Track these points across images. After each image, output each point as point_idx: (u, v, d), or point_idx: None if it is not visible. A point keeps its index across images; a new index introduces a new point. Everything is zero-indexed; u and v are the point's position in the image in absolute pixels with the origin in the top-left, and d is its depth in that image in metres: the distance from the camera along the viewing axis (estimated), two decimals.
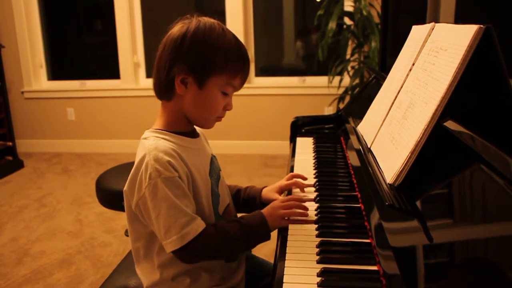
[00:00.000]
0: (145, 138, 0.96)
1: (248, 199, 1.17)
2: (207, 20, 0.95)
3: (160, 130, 0.97)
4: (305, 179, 1.22)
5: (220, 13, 3.94)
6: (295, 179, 1.20)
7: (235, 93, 1.00)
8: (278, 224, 0.97)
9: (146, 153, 0.90)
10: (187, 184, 0.92)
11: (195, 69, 0.92)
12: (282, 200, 1.03)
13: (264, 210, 0.99)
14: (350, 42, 3.40)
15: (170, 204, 0.88)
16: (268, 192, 1.17)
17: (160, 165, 0.88)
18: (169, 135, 0.96)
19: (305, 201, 1.06)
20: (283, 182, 1.19)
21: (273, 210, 0.99)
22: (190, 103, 0.95)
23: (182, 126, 0.99)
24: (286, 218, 0.99)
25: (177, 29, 0.94)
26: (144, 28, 4.17)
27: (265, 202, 1.15)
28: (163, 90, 0.96)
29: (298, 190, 1.19)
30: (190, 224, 0.89)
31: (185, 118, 0.98)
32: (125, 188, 0.95)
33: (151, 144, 0.92)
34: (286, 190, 1.19)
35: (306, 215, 1.01)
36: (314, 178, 1.27)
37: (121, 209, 1.00)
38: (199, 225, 0.90)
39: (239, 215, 1.07)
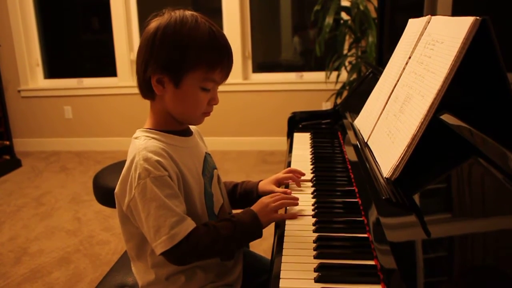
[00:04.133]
0: (136, 138, 0.95)
1: (245, 194, 1.16)
2: (179, 13, 0.91)
3: (150, 130, 0.95)
4: (302, 174, 1.21)
5: (217, 10, 3.93)
6: (291, 174, 1.19)
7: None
8: (270, 218, 0.96)
9: (136, 153, 0.89)
10: (177, 183, 0.91)
11: (168, 68, 0.89)
12: (270, 195, 1.02)
13: (254, 207, 0.98)
14: (347, 37, 3.40)
15: (160, 203, 0.86)
16: (265, 184, 1.16)
17: (150, 165, 0.87)
18: (160, 134, 0.95)
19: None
20: (280, 175, 1.19)
21: (263, 205, 0.98)
22: (171, 102, 0.93)
23: (171, 125, 0.97)
24: (277, 210, 0.98)
25: (151, 26, 0.91)
26: (141, 25, 4.15)
27: (262, 195, 1.14)
28: (144, 91, 0.95)
29: (294, 184, 1.19)
30: (180, 224, 0.87)
31: (173, 117, 0.96)
32: (116, 190, 0.94)
33: (141, 144, 0.90)
34: (282, 182, 1.18)
35: (297, 204, 1.01)
36: (311, 173, 1.27)
37: None
38: (189, 225, 0.88)
39: (235, 211, 1.06)
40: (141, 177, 0.87)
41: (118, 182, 0.93)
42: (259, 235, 0.95)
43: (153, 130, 0.95)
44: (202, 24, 0.90)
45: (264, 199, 1.00)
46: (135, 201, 0.88)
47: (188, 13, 0.92)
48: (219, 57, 0.91)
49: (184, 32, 0.89)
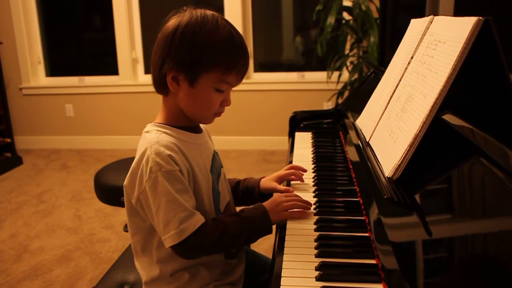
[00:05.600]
0: (147, 132, 0.95)
1: (247, 191, 1.17)
2: (200, 13, 0.91)
3: (162, 124, 0.96)
4: (305, 171, 1.22)
5: (218, 9, 3.92)
6: (293, 170, 1.19)
7: (234, 88, 0.98)
8: (280, 216, 0.97)
9: (148, 147, 0.89)
10: (187, 178, 0.92)
11: (185, 67, 0.90)
12: (284, 194, 1.02)
13: (266, 204, 0.98)
14: (349, 37, 3.39)
15: (170, 198, 0.87)
16: (267, 181, 1.16)
17: (161, 159, 0.87)
18: (171, 129, 0.95)
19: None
20: (282, 172, 1.19)
21: (275, 203, 0.98)
22: (184, 100, 0.94)
23: (182, 121, 0.98)
24: (288, 210, 0.98)
25: (170, 23, 0.92)
26: (142, 23, 4.16)
27: (264, 192, 1.15)
28: (158, 86, 0.95)
29: (298, 181, 1.19)
30: (189, 220, 0.88)
31: (184, 114, 0.97)
32: (125, 182, 0.94)
33: (153, 138, 0.91)
34: (284, 180, 1.19)
35: (309, 208, 1.01)
36: (313, 172, 1.27)
37: (120, 204, 1.00)
38: (197, 220, 0.89)
39: (239, 208, 1.06)
40: (152, 171, 0.87)
41: (128, 175, 0.94)
42: (268, 231, 0.96)
43: (165, 125, 0.96)
44: (222, 26, 0.91)
45: (278, 198, 1.00)
46: (146, 194, 0.89)
47: (209, 13, 0.92)
48: (235, 60, 0.92)
49: (204, 33, 0.89)
